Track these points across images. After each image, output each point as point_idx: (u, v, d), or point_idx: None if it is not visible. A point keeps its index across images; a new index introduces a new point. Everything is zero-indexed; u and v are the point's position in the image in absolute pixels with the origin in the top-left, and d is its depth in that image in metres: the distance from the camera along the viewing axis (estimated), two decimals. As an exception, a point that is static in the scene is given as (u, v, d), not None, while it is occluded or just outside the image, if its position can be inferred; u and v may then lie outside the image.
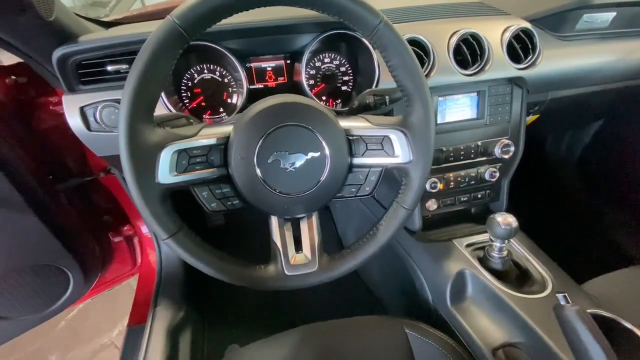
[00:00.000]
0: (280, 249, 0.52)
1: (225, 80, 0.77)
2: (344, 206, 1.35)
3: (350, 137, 0.51)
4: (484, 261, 0.76)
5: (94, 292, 1.21)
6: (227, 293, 1.21)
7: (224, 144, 0.49)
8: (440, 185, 0.83)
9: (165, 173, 0.45)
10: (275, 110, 0.47)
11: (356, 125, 0.52)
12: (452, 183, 0.84)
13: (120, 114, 0.41)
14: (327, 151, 0.48)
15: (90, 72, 0.64)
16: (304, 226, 0.53)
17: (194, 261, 0.47)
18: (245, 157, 0.47)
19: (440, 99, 0.80)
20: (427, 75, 0.75)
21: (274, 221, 0.53)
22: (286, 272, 0.51)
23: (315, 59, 0.80)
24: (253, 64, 0.77)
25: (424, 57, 0.74)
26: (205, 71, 0.76)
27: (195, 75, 0.76)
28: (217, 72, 0.77)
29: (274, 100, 0.48)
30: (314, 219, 0.54)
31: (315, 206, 0.51)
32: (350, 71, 0.83)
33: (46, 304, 0.98)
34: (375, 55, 0.71)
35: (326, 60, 0.81)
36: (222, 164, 0.49)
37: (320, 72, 0.81)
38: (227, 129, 0.49)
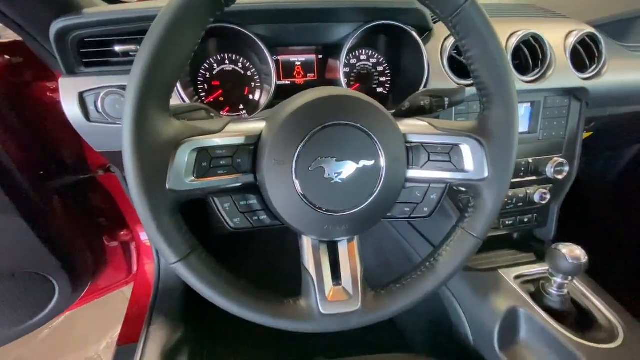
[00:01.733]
0: (315, 280, 0.41)
1: (248, 74, 0.68)
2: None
3: (409, 144, 0.41)
4: (538, 298, 0.65)
5: (84, 300, 1.10)
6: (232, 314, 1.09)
7: (253, 145, 0.38)
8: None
9: (180, 177, 0.34)
10: (322, 104, 0.37)
11: (417, 129, 0.42)
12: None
13: (127, 96, 0.31)
14: (383, 160, 0.38)
15: (93, 52, 0.54)
16: (343, 251, 0.43)
17: (208, 292, 0.37)
18: (281, 161, 0.36)
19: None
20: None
21: (307, 243, 0.42)
22: (322, 310, 0.40)
23: (351, 55, 0.71)
24: (280, 57, 0.67)
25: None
26: (227, 62, 0.67)
27: (215, 65, 0.66)
28: (239, 64, 0.67)
29: (320, 92, 0.38)
30: (356, 242, 0.44)
31: (362, 228, 0.41)
32: (389, 71, 0.73)
33: (29, 315, 0.87)
34: (426, 53, 0.62)
35: (362, 57, 0.72)
36: (249, 170, 0.39)
37: (355, 71, 0.72)
38: (258, 125, 0.39)
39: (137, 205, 0.33)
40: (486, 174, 0.41)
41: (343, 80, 0.63)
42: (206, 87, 0.67)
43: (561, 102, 0.73)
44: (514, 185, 0.74)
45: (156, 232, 0.34)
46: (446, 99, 0.51)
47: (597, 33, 0.70)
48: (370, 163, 0.38)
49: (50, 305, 0.87)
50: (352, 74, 0.72)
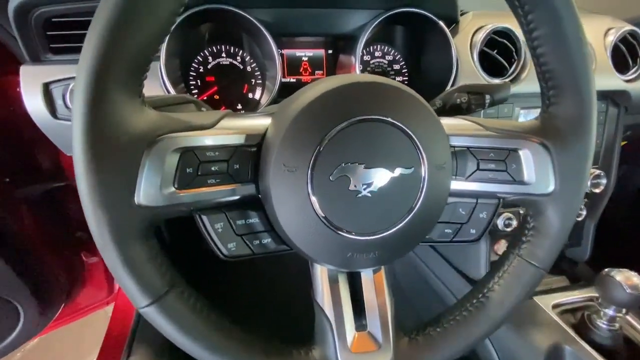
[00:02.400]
0: (333, 323, 0.31)
1: (248, 69, 0.59)
2: None
3: (452, 149, 0.33)
4: (583, 332, 0.56)
5: (61, 321, 0.98)
6: None
7: (256, 146, 0.29)
8: (515, 223, 0.63)
9: (155, 188, 0.25)
10: (348, 94, 0.28)
11: (462, 129, 0.33)
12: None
13: (79, 71, 0.22)
14: (424, 167, 0.29)
15: (63, 35, 0.45)
16: (368, 284, 0.33)
17: (191, 345, 0.27)
18: (293, 168, 0.27)
19: (523, 111, 0.62)
20: (514, 80, 0.58)
21: (322, 273, 0.33)
22: (343, 365, 0.31)
23: (364, 50, 0.63)
24: (285, 51, 0.59)
25: (514, 55, 0.56)
26: (223, 54, 0.58)
27: (210, 58, 0.58)
28: (237, 57, 0.59)
29: (343, 79, 0.29)
30: (383, 272, 0.34)
31: (395, 255, 0.31)
32: (406, 70, 0.65)
33: (-10, 342, 0.75)
34: (455, 47, 0.53)
35: (377, 53, 0.64)
36: (250, 178, 0.29)
37: (369, 69, 0.64)
38: (263, 122, 0.30)
39: (93, 228, 0.24)
40: (552, 188, 0.32)
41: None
42: (199, 84, 0.58)
43: (598, 107, 0.65)
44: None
45: (120, 267, 0.24)
46: (487, 96, 0.42)
47: (639, 30, 0.63)
48: (408, 171, 0.29)
49: (15, 332, 0.75)
50: (366, 72, 0.63)
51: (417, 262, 0.83)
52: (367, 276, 0.34)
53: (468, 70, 0.54)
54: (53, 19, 0.44)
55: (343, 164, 0.28)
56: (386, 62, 0.64)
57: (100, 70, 0.22)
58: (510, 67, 0.56)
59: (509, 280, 0.34)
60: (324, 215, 0.28)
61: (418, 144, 0.29)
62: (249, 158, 0.29)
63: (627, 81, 0.62)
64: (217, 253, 0.29)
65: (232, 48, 0.58)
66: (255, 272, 1.02)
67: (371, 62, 0.63)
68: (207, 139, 0.27)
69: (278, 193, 0.28)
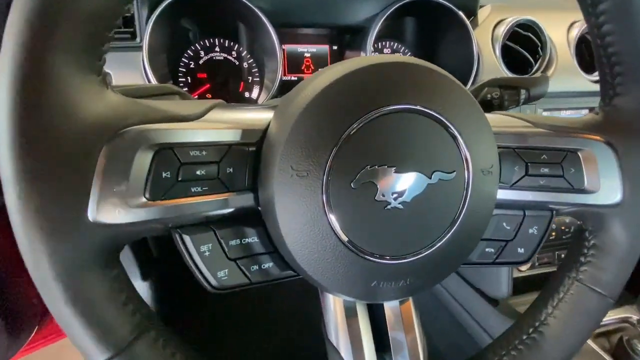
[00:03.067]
0: (353, 371, 0.25)
1: (244, 65, 0.53)
2: None
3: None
4: (621, 358, 0.49)
5: (35, 345, 0.89)
6: None
7: (255, 145, 0.23)
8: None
9: (118, 198, 0.18)
10: (371, 78, 0.22)
11: (505, 125, 0.28)
12: (553, 233, 0.59)
13: (7, 32, 0.16)
14: (469, 171, 0.23)
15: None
16: (393, 318, 0.27)
17: None
18: (303, 171, 0.21)
19: (546, 113, 0.57)
20: (540, 76, 0.52)
21: (335, 304, 0.26)
22: None
23: (372, 47, 0.57)
24: (285, 46, 0.53)
25: (539, 50, 0.51)
26: (217, 49, 0.52)
27: (202, 53, 0.52)
28: (233, 52, 0.53)
29: (365, 60, 0.23)
30: (412, 303, 0.28)
31: (430, 282, 0.25)
32: None
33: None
34: (476, 41, 0.48)
35: (386, 50, 0.58)
36: (247, 186, 0.23)
37: None
38: (264, 115, 0.24)
39: (26, 256, 0.17)
40: (619, 197, 0.26)
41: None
42: (189, 81, 0.52)
43: None
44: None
45: (66, 311, 0.17)
46: (523, 91, 0.36)
47: None
48: (449, 177, 0.23)
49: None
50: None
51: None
52: (392, 308, 0.27)
53: (490, 66, 0.49)
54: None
55: (368, 167, 0.21)
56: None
57: (39, 31, 0.16)
58: (535, 63, 0.51)
59: (567, 312, 0.27)
60: (343, 233, 0.22)
61: (461, 141, 0.23)
62: (246, 160, 0.23)
63: (595, 82, 0.57)
64: (202, 284, 0.22)
65: (226, 41, 0.52)
66: (254, 298, 0.93)
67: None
68: (191, 134, 0.21)
69: (284, 204, 0.21)
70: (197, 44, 0.51)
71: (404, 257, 0.23)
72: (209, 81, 0.52)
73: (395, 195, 0.22)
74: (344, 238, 0.22)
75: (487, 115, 0.29)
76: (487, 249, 0.28)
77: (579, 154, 0.26)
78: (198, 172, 0.21)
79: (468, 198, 0.23)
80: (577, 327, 0.27)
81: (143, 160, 0.19)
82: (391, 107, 0.21)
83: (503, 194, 0.27)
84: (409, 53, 0.59)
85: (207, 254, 0.22)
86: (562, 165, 0.26)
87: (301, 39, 0.54)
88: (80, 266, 0.18)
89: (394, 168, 0.22)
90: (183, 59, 0.51)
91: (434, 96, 0.22)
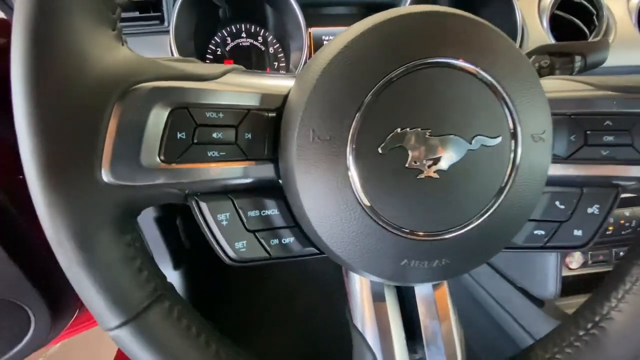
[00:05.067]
0: (379, 356, 0.22)
1: (271, 50, 0.53)
2: None
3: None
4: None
5: (76, 329, 0.95)
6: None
7: (275, 111, 0.21)
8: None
9: (132, 158, 0.18)
10: (401, 30, 0.20)
11: (562, 89, 0.24)
12: (610, 227, 0.53)
13: None
14: (518, 136, 0.20)
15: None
16: (426, 305, 0.24)
17: None
18: (326, 135, 0.19)
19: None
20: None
21: (362, 286, 0.24)
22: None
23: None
24: (312, 30, 0.52)
25: (594, 20, 0.46)
26: (243, 34, 0.52)
27: (228, 39, 0.52)
28: (259, 37, 0.52)
29: (393, 12, 0.20)
30: (447, 289, 0.25)
31: (470, 264, 0.22)
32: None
33: (7, 346, 0.72)
34: (519, 10, 0.44)
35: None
36: (267, 155, 0.21)
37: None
38: (284, 82, 0.22)
39: (42, 216, 0.17)
40: None
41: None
42: (216, 67, 0.52)
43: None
44: (633, 202, 0.53)
45: (80, 273, 0.17)
46: (578, 58, 0.32)
47: None
48: (493, 142, 0.20)
49: (26, 338, 0.72)
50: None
51: (463, 276, 0.71)
52: (424, 293, 0.25)
53: (537, 39, 0.44)
54: None
55: (398, 130, 0.19)
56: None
57: None
58: (590, 34, 0.46)
59: (636, 305, 0.23)
60: (369, 204, 0.20)
61: (508, 101, 0.20)
62: (266, 126, 0.21)
63: None
64: (220, 255, 0.21)
65: (252, 27, 0.51)
66: (276, 277, 0.93)
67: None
68: (208, 94, 0.19)
69: (304, 171, 0.20)
70: (223, 30, 0.51)
71: (438, 234, 0.20)
72: (235, 67, 0.52)
73: (429, 163, 0.20)
74: (371, 209, 0.20)
75: (548, 78, 0.26)
76: (536, 231, 0.24)
77: None
78: (214, 135, 0.19)
79: (516, 168, 0.20)
80: None
81: (157, 119, 0.18)
82: (424, 61, 0.19)
83: (556, 169, 0.23)
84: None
85: (224, 223, 0.21)
86: (632, 132, 0.22)
87: (329, 20, 0.52)
88: (94, 227, 0.17)
89: (429, 131, 0.19)
90: (210, 46, 0.51)
91: (476, 50, 0.20)
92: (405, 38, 0.19)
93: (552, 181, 0.24)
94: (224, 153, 0.20)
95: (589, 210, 0.24)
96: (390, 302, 0.24)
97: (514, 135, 0.20)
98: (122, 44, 0.18)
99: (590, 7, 0.45)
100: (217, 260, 0.22)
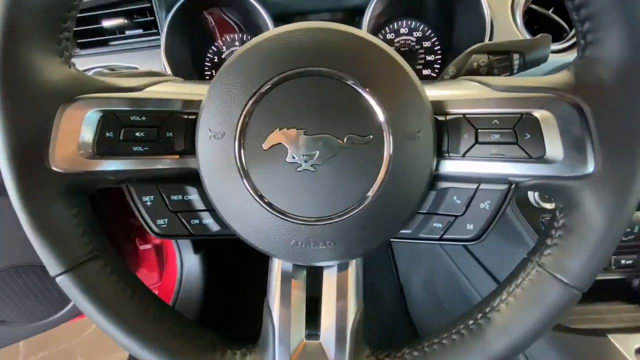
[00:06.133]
0: (277, 326, 0.26)
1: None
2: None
3: (443, 117, 0.25)
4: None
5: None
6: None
7: (195, 114, 0.26)
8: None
9: (71, 151, 0.24)
10: (287, 43, 0.23)
11: (457, 91, 0.25)
12: None
13: None
14: (387, 135, 0.23)
15: (84, 30, 0.49)
16: (329, 285, 0.27)
17: (105, 323, 0.25)
18: (219, 133, 0.23)
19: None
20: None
21: (277, 267, 0.28)
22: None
23: (387, 28, 0.56)
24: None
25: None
26: (237, 43, 0.57)
27: (224, 48, 0.58)
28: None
29: (289, 27, 0.24)
30: (352, 272, 0.28)
31: (357, 248, 0.25)
32: (438, 47, 0.56)
33: (53, 309, 0.87)
34: (486, 5, 0.43)
35: (403, 30, 0.56)
36: (187, 150, 0.26)
37: (394, 48, 0.56)
38: (204, 88, 0.27)
39: (7, 184, 0.23)
40: (591, 167, 0.22)
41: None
42: (214, 74, 0.58)
43: None
44: None
45: (32, 229, 0.23)
46: (516, 56, 0.32)
47: None
48: (364, 140, 0.23)
49: (69, 304, 0.86)
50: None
51: (459, 277, 0.70)
52: (329, 274, 0.28)
53: (509, 35, 0.43)
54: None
55: (277, 129, 0.23)
56: (414, 39, 0.56)
57: (7, 17, 0.21)
58: (571, 29, 0.43)
59: (521, 300, 0.24)
60: (259, 192, 0.24)
61: (376, 102, 0.22)
62: (185, 126, 0.26)
63: None
64: (147, 229, 0.26)
65: (244, 36, 0.57)
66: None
67: (396, 41, 0.56)
68: (132, 102, 0.25)
69: (206, 165, 0.24)
70: (219, 40, 0.57)
71: (320, 220, 0.24)
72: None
73: (305, 158, 0.23)
74: (260, 197, 0.23)
75: (445, 83, 0.28)
76: (435, 224, 0.26)
77: (536, 116, 0.23)
78: (137, 134, 0.25)
79: (390, 166, 0.23)
80: (528, 318, 0.23)
81: (91, 122, 0.24)
82: (297, 70, 0.22)
83: (454, 165, 0.25)
84: (429, 32, 0.55)
85: (148, 203, 0.26)
86: (516, 130, 0.23)
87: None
88: (44, 201, 0.23)
89: (304, 130, 0.23)
90: (208, 55, 0.58)
91: (345, 59, 0.23)
92: (280, 52, 0.23)
93: (451, 177, 0.26)
94: (147, 148, 0.25)
95: (482, 206, 0.25)
96: (296, 281, 0.27)
97: (385, 135, 0.23)
98: (69, 67, 0.25)
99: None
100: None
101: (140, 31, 0.50)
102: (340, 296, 0.27)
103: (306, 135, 0.23)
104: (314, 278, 0.28)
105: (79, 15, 0.47)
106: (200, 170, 0.24)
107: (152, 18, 0.47)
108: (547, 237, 0.24)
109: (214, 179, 0.24)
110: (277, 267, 0.28)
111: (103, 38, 0.50)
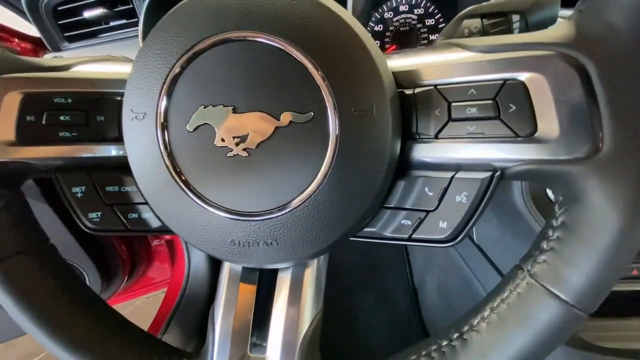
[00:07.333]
0: (217, 336, 0.23)
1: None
2: None
3: (410, 91, 0.20)
4: None
5: (126, 296, 1.13)
6: None
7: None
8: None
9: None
10: (212, 3, 0.20)
11: (429, 60, 0.21)
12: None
13: None
14: (332, 112, 0.18)
15: (72, 22, 0.49)
16: (281, 289, 0.24)
17: (26, 323, 0.23)
18: (140, 113, 0.20)
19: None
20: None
21: (225, 269, 0.25)
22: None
23: (384, 6, 0.51)
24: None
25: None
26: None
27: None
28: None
29: None
30: (309, 275, 0.24)
31: (306, 249, 0.21)
32: (443, 24, 0.50)
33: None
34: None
35: (402, 8, 0.51)
36: (120, 134, 0.23)
37: (392, 28, 0.51)
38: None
39: None
40: (597, 146, 0.16)
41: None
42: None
43: None
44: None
45: None
46: (516, 18, 0.27)
47: None
48: (304, 117, 0.19)
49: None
50: (388, 33, 0.51)
51: (468, 275, 0.64)
52: (283, 277, 0.24)
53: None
54: (59, 7, 0.47)
55: (202, 107, 0.19)
56: (415, 17, 0.50)
57: None
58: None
59: (506, 318, 0.19)
60: (186, 182, 0.20)
61: (317, 76, 0.18)
62: (118, 109, 0.23)
63: None
64: (78, 223, 0.24)
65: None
66: None
67: (395, 19, 0.51)
68: (55, 82, 0.22)
69: (131, 150, 0.21)
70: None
71: (259, 215, 0.20)
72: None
73: (237, 140, 0.19)
74: (190, 189, 0.20)
75: (418, 48, 0.23)
76: (403, 221, 0.22)
77: (522, 80, 0.18)
78: (62, 118, 0.22)
79: (337, 146, 0.19)
80: (513, 344, 0.18)
81: (10, 105, 0.21)
82: (221, 36, 0.19)
83: (426, 149, 0.21)
84: (432, 7, 0.50)
85: (79, 195, 0.23)
86: (497, 100, 0.18)
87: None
88: None
89: (232, 107, 0.19)
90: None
91: (287, 26, 0.19)
92: (204, 15, 0.19)
93: (423, 165, 0.21)
94: (75, 134, 0.23)
95: (457, 199, 0.20)
96: (245, 287, 0.24)
97: (331, 112, 0.18)
98: None
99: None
100: None
101: (123, 21, 0.48)
102: (292, 303, 0.23)
103: (235, 113, 0.19)
104: (264, 282, 0.25)
105: (62, 7, 0.46)
106: (128, 158, 0.21)
107: (131, 6, 0.46)
108: (542, 239, 0.19)
109: (141, 167, 0.21)
110: (226, 268, 0.25)
111: (89, 30, 0.49)
